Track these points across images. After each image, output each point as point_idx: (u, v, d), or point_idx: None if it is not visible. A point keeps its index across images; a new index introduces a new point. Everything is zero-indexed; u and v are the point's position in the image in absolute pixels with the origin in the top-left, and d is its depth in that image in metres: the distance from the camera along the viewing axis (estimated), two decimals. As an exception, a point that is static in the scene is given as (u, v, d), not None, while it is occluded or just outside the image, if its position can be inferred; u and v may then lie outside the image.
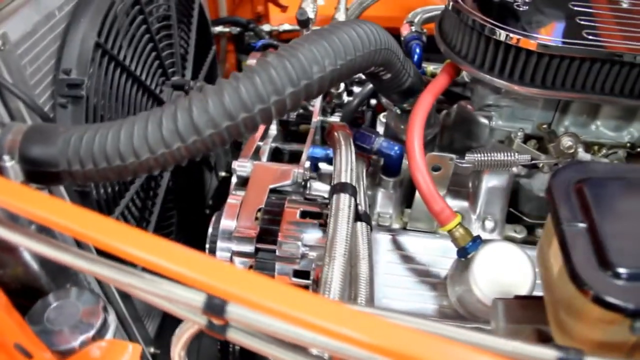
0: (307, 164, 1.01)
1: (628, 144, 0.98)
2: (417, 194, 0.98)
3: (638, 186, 0.65)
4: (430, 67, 1.21)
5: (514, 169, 1.01)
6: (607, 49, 0.84)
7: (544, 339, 0.70)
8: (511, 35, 0.85)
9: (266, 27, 1.50)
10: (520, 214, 1.07)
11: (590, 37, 0.85)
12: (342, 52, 0.74)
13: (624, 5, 0.94)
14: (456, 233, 0.85)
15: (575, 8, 0.91)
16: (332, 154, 0.90)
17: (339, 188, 0.81)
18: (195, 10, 1.25)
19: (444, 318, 0.92)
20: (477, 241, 0.85)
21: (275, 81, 0.68)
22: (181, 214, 1.25)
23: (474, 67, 0.91)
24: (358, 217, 0.83)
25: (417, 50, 1.12)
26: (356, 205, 0.82)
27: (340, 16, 1.14)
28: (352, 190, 0.81)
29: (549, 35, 0.85)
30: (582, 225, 0.60)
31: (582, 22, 0.88)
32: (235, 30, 1.54)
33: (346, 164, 0.86)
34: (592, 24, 0.88)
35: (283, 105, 0.70)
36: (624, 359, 0.61)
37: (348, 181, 0.82)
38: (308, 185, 1.06)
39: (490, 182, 1.02)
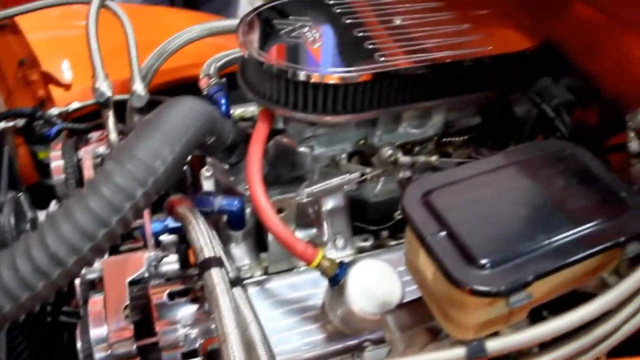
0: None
1: (434, 136, 1.10)
2: (269, 237, 1.02)
3: (469, 184, 0.75)
4: (237, 112, 1.25)
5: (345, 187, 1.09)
6: (397, 65, 0.94)
7: (435, 333, 0.78)
8: (313, 74, 0.92)
9: (54, 111, 1.42)
10: (362, 223, 1.15)
11: (382, 58, 0.95)
12: (177, 137, 0.75)
13: (397, 22, 1.06)
14: (323, 266, 0.90)
15: (360, 34, 1.00)
16: (184, 230, 0.90)
17: (206, 265, 0.82)
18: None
19: (333, 342, 0.97)
20: (344, 267, 0.91)
21: (124, 188, 0.67)
22: (29, 343, 1.16)
23: (287, 109, 0.96)
24: (231, 283, 0.85)
25: (223, 101, 1.15)
26: (227, 274, 0.83)
27: (139, 87, 1.13)
28: (219, 262, 0.83)
29: (347, 65, 0.93)
30: (441, 233, 0.68)
31: (370, 47, 0.98)
32: (21, 122, 1.44)
33: (204, 238, 0.87)
34: (378, 45, 0.98)
35: (137, 209, 0.69)
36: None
37: (212, 255, 0.84)
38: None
39: (329, 204, 1.09)
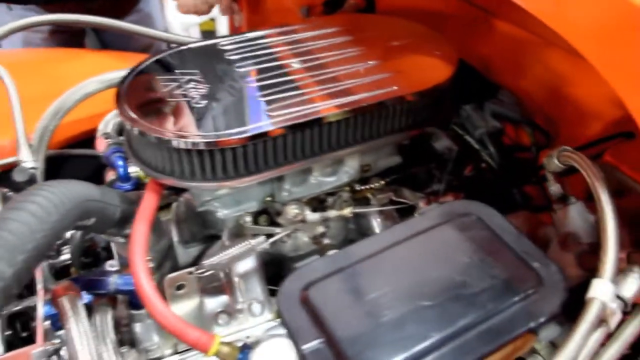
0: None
1: (350, 183, 1.02)
2: (174, 314, 0.93)
3: (356, 271, 0.66)
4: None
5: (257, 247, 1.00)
6: (286, 121, 0.85)
7: None
8: (199, 141, 0.82)
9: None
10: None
11: (273, 113, 0.86)
12: (19, 246, 0.66)
13: (296, 66, 0.96)
14: (222, 353, 0.81)
15: (252, 85, 0.91)
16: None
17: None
18: None
19: None
20: (246, 351, 0.82)
21: None
22: None
23: (177, 179, 0.87)
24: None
25: (120, 163, 1.06)
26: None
27: (24, 157, 1.03)
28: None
29: (238, 125, 0.84)
30: (319, 342, 0.59)
31: (263, 99, 0.89)
32: None
33: (81, 340, 0.78)
34: (273, 96, 0.89)
35: None
36: None
37: (87, 361, 0.74)
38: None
39: (240, 268, 1.00)
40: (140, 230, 0.85)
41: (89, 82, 1.18)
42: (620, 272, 0.72)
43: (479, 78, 1.15)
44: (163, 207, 1.14)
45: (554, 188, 0.85)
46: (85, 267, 1.18)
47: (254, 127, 0.84)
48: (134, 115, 0.85)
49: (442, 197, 1.07)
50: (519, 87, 1.14)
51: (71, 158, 1.43)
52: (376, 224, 1.06)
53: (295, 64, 0.97)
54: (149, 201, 0.88)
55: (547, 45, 1.08)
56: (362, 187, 1.02)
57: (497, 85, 1.13)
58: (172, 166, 0.86)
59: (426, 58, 1.01)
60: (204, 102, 0.88)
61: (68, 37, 1.86)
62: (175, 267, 1.07)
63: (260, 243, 0.93)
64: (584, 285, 0.72)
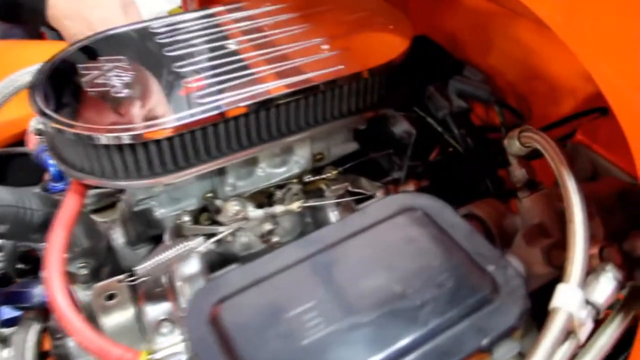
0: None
1: (302, 174, 0.93)
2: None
3: (278, 282, 0.57)
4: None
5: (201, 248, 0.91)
6: (226, 104, 0.76)
7: None
8: (120, 135, 0.73)
9: None
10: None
11: (206, 99, 0.77)
12: None
13: (232, 47, 0.87)
14: (152, 370, 0.73)
15: (181, 70, 0.82)
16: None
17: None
18: None
19: None
20: (178, 366, 0.74)
21: None
22: None
23: (99, 178, 0.78)
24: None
25: (52, 161, 0.96)
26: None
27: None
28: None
29: (164, 114, 0.75)
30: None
31: (194, 84, 0.80)
32: None
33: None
34: (204, 81, 0.80)
35: None
36: None
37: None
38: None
39: (183, 271, 0.90)
40: (57, 237, 0.76)
41: (21, 74, 1.08)
42: (592, 271, 0.63)
43: (443, 55, 1.05)
44: (107, 206, 1.05)
45: (518, 173, 0.76)
46: (24, 274, 1.10)
47: (182, 115, 0.75)
48: (47, 111, 0.76)
49: (404, 185, 0.98)
50: (487, 63, 1.06)
51: (17, 157, 1.34)
52: (333, 217, 0.97)
53: (232, 44, 0.87)
54: (69, 204, 0.79)
55: (515, 18, 0.99)
56: (313, 178, 0.93)
57: (462, 62, 1.04)
58: (92, 164, 0.77)
59: (379, 33, 0.91)
60: (127, 90, 0.79)
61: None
62: (117, 272, 0.98)
63: (200, 244, 0.84)
64: (553, 284, 0.64)
